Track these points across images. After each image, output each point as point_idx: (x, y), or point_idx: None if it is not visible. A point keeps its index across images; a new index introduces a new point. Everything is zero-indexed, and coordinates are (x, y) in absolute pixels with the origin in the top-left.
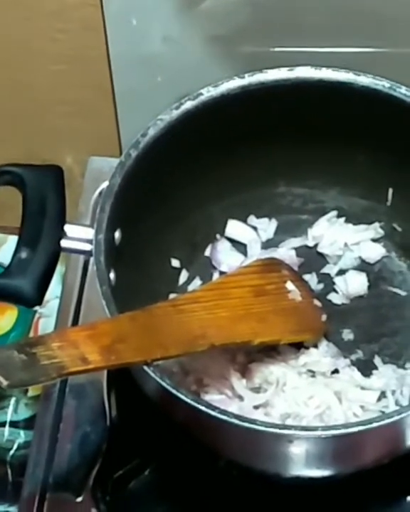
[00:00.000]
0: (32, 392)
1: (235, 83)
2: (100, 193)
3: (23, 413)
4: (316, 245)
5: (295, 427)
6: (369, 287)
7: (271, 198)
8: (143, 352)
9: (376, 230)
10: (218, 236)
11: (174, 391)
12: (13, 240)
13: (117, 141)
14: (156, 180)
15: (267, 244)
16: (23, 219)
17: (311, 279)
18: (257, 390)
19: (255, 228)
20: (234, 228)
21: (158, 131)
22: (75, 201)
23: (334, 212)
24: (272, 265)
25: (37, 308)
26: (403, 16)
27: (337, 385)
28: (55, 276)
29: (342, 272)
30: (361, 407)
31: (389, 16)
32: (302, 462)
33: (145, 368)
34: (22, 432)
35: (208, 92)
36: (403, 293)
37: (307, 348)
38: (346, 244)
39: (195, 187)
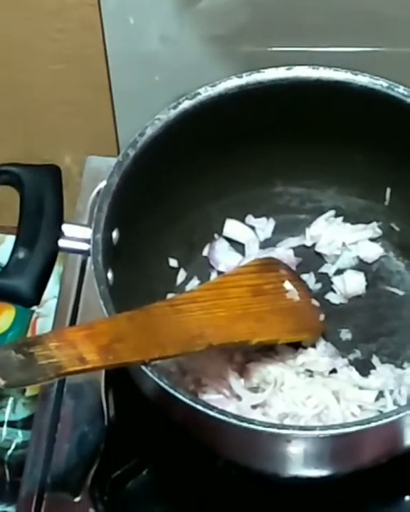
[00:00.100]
0: (30, 391)
1: (232, 83)
2: (98, 193)
3: (21, 413)
4: (314, 245)
5: (293, 427)
6: (367, 287)
7: (269, 197)
8: (141, 352)
9: (374, 229)
10: (216, 236)
11: (171, 391)
12: (10, 239)
13: (114, 140)
14: (153, 179)
15: (265, 244)
16: (21, 219)
17: (309, 278)
18: (255, 389)
19: (253, 228)
20: (232, 228)
21: (156, 131)
22: (72, 201)
23: (332, 212)
24: (270, 265)
25: (35, 308)
26: (401, 16)
27: (335, 385)
28: (52, 276)
29: (339, 272)
30: (359, 406)
31: (386, 15)
32: (300, 462)
33: (143, 367)
34: (20, 432)
35: (206, 92)
36: (401, 292)
37: (305, 347)
38: (344, 244)
39: (193, 186)
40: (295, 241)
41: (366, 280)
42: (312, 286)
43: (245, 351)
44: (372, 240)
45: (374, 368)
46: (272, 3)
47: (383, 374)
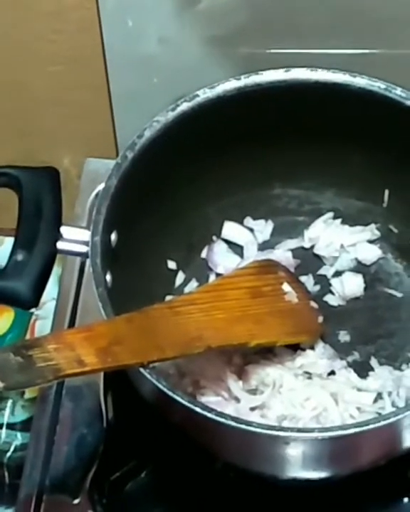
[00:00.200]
0: (29, 394)
1: (231, 84)
2: (97, 195)
3: (20, 415)
4: (312, 247)
5: (292, 429)
6: (366, 289)
7: (267, 199)
8: (139, 354)
9: (372, 231)
10: (214, 238)
11: (170, 393)
12: (9, 241)
13: (113, 142)
14: (152, 181)
15: (263, 246)
16: (19, 221)
17: (307, 280)
18: (253, 391)
19: (251, 230)
20: (230, 230)
21: (154, 133)
22: (71, 203)
23: (331, 214)
24: (269, 267)
25: (33, 310)
26: (399, 18)
27: (334, 387)
28: (51, 278)
29: (338, 274)
30: (358, 408)
31: (384, 17)
32: (298, 464)
33: (141, 370)
34: (19, 434)
35: (204, 94)
36: (399, 294)
37: (303, 349)
38: (342, 246)
39: (191, 189)
40: (293, 243)
41: (365, 282)
42: (311, 288)
43: (243, 353)
44: (370, 241)
45: (372, 369)
46: (271, 5)
47: (381, 376)
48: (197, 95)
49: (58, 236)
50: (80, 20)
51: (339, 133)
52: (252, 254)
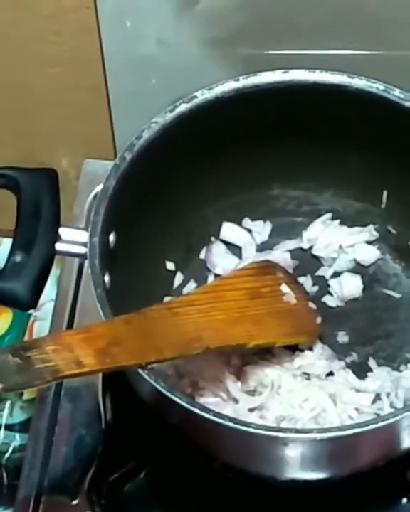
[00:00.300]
0: (27, 395)
1: (229, 86)
2: (95, 196)
3: (19, 416)
4: (311, 248)
5: (290, 430)
6: (364, 290)
7: (266, 200)
8: (138, 355)
9: (370, 232)
10: (212, 239)
11: (168, 394)
12: (7, 242)
13: (111, 143)
14: (150, 183)
15: (262, 247)
16: (18, 222)
17: (306, 281)
18: (252, 392)
19: (249, 231)
20: (229, 231)
21: (152, 134)
22: (69, 204)
23: (329, 215)
24: (267, 268)
25: (32, 311)
26: (397, 19)
27: (332, 388)
28: (49, 279)
29: (336, 275)
30: (356, 409)
31: (383, 19)
32: (297, 465)
33: (140, 371)
34: (17, 435)
35: (203, 95)
36: (397, 295)
37: (302, 350)
38: (340, 247)
39: (190, 190)
40: (291, 244)
41: (363, 283)
42: (309, 289)
43: (242, 354)
44: (369, 242)
45: (370, 370)
46: (269, 6)
47: (380, 377)
48: (195, 96)
49: (57, 237)
50: (78, 21)
51: (338, 134)
52: (250, 255)
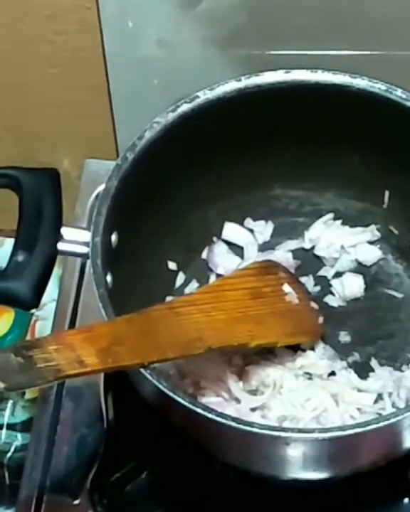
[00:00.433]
0: (29, 394)
1: (231, 86)
2: (97, 196)
3: (20, 416)
4: (313, 248)
5: (292, 430)
6: (366, 290)
7: (267, 200)
8: (140, 355)
9: (372, 232)
10: (214, 239)
11: (170, 394)
12: (9, 242)
13: (113, 143)
14: (152, 182)
15: (263, 247)
16: (20, 222)
17: (308, 281)
18: (254, 392)
19: (251, 231)
20: (231, 231)
21: (154, 134)
22: (71, 204)
23: (331, 215)
24: (269, 268)
25: (34, 311)
26: (398, 19)
27: (334, 388)
28: (51, 280)
29: (338, 275)
30: (358, 409)
31: (385, 19)
32: (299, 465)
33: (142, 370)
34: (19, 435)
35: (205, 95)
36: (399, 295)
37: (303, 350)
38: (342, 247)
39: (191, 189)
40: (293, 244)
41: (365, 283)
42: (311, 288)
43: (244, 354)
44: (371, 242)
45: (372, 370)
46: (271, 6)
47: (381, 377)
48: (197, 96)
49: (59, 237)
50: (80, 21)
51: (340, 134)
52: (252, 255)
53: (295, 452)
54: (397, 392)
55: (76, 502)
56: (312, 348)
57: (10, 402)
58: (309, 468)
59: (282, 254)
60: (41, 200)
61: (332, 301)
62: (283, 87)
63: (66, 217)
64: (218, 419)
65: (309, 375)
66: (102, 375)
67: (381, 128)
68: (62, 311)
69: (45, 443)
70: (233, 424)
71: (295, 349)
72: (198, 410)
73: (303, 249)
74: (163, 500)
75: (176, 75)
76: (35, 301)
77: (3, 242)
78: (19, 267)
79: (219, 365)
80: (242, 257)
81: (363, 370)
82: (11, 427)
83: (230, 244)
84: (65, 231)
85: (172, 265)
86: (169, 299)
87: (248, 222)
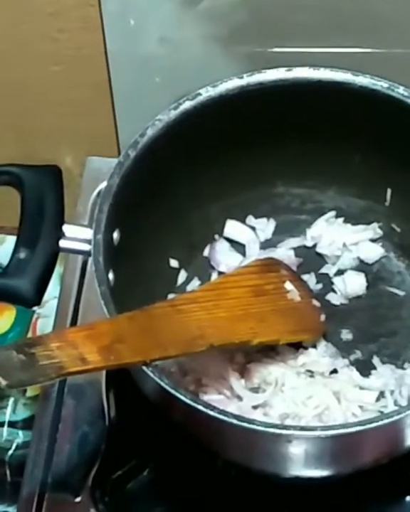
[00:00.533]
0: (30, 392)
1: (233, 83)
2: (99, 194)
3: (22, 413)
4: (314, 245)
5: (294, 427)
6: (368, 287)
7: (269, 198)
8: (142, 352)
9: (374, 230)
10: (216, 236)
11: (172, 391)
12: (11, 240)
13: (115, 141)
14: (154, 180)
15: (265, 245)
16: (22, 219)
17: (310, 279)
18: (256, 390)
19: (253, 228)
20: (233, 228)
21: (156, 132)
22: (73, 201)
23: (333, 213)
24: (271, 265)
25: (35, 308)
26: (401, 17)
27: (336, 385)
28: (53, 277)
29: (340, 272)
30: (360, 407)
31: (387, 16)
32: (301, 462)
33: (144, 368)
34: (20, 432)
35: (207, 93)
36: (401, 293)
37: (305, 348)
38: (344, 245)
39: (193, 187)
40: (295, 242)
41: (367, 281)
42: (313, 286)
43: (246, 352)
44: (373, 240)
45: (374, 368)
46: (273, 3)
47: (383, 374)
48: (199, 94)
49: (61, 234)
50: (82, 19)
51: (342, 131)
52: (254, 253)
53: (296, 450)
54: (399, 390)
55: (78, 499)
56: (314, 346)
57: (11, 400)
58: (311, 466)
59: (284, 252)
60: (43, 198)
61: (334, 298)
62: (285, 85)
63: (68, 214)
64: (220, 416)
65: (311, 373)
66: (103, 372)
67: (383, 126)
68: (64, 309)
69: (46, 441)
70: (235, 421)
71: (297, 347)
72: (200, 408)
73: (305, 246)
74: (165, 498)
75: (178, 72)
76: (37, 298)
77: (5, 239)
78: (21, 265)
79: (221, 362)
80: (244, 254)
81: (365, 368)
82: (12, 424)
83: (232, 242)
84: (66, 228)
85: (174, 263)
86: (170, 296)
87: (250, 219)
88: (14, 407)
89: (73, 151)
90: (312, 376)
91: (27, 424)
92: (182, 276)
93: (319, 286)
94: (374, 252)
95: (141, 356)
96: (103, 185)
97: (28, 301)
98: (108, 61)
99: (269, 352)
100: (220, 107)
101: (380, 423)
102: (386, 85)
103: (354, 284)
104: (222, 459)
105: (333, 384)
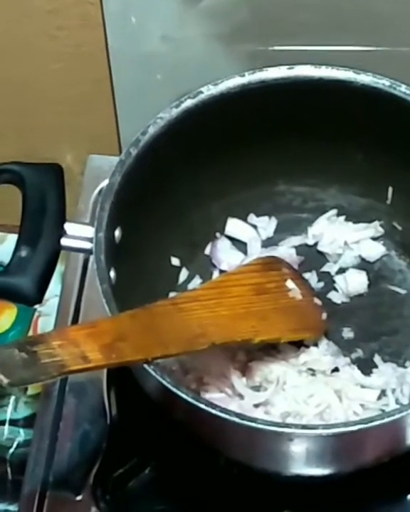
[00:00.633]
0: (32, 390)
1: (235, 81)
2: (100, 192)
3: (23, 411)
4: (316, 244)
5: (296, 426)
6: (369, 286)
7: (271, 196)
8: (143, 350)
9: (376, 228)
10: (218, 234)
11: (174, 389)
12: (12, 238)
13: (116, 139)
14: (156, 178)
15: (267, 243)
16: (23, 217)
17: (311, 277)
18: (257, 388)
19: (255, 227)
20: (234, 227)
21: (158, 130)
22: (74, 199)
23: (334, 211)
24: (273, 263)
25: (36, 306)
26: (402, 15)
27: (337, 384)
28: (54, 275)
29: (342, 271)
30: (362, 405)
31: (389, 14)
32: (302, 461)
33: (145, 366)
34: (22, 431)
35: (208, 91)
36: (403, 291)
37: (307, 346)
38: (346, 243)
39: (195, 185)
40: (297, 240)
41: (369, 279)
42: (315, 285)
43: (247, 350)
44: (374, 238)
45: (376, 366)
46: (274, 2)
47: (385, 373)
48: (201, 92)
49: (62, 232)
50: (83, 16)
51: (343, 130)
52: (255, 251)
53: (298, 448)
54: (400, 389)
55: (79, 498)
56: (316, 344)
57: (12, 398)
58: (312, 465)
59: (286, 250)
60: (44, 196)
61: (335, 297)
62: (287, 83)
63: (69, 212)
64: (222, 415)
65: (312, 371)
66: (105, 370)
67: (385, 124)
68: (65, 307)
69: (48, 439)
70: (237, 420)
71: (299, 345)
72: (202, 406)
73: (306, 245)
74: (166, 496)
75: (179, 70)
76: (39, 296)
77: (6, 237)
78: (22, 263)
79: (222, 361)
80: (245, 253)
81: (366, 367)
82: (13, 422)
83: (234, 240)
84: (68, 226)
85: (175, 261)
86: (172, 294)
87: (252, 218)
88: (15, 405)
89: (74, 149)
90: (313, 374)
91: (28, 422)
92: (183, 274)
93: (321, 284)
94: (375, 251)
95: (142, 354)
96: (104, 183)
97: (30, 299)
98: (109, 59)
99: (270, 350)
100: (221, 105)
101: (381, 422)
102: (387, 83)
103: (355, 282)
104: (223, 458)
105: (334, 382)
